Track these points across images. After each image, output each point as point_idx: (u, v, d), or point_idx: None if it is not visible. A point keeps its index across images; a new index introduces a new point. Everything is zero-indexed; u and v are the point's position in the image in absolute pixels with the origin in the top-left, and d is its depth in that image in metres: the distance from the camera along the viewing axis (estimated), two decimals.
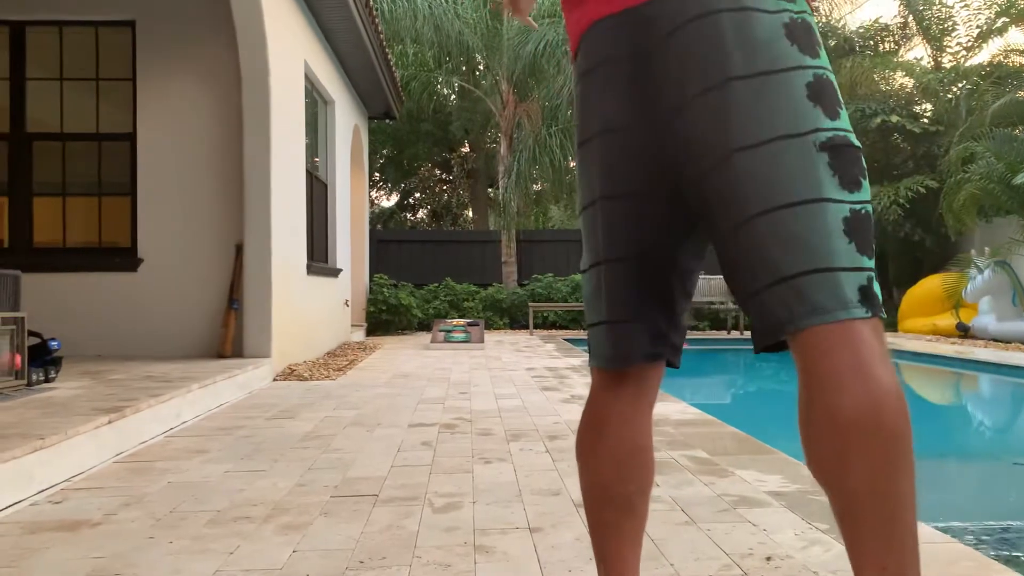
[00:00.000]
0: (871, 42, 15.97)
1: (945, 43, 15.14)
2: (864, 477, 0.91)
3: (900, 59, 15.63)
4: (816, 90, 1.01)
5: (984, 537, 2.73)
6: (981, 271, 10.50)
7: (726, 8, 1.02)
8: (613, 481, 1.25)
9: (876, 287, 0.99)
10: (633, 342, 1.19)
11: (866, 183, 1.01)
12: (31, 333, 4.13)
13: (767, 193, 0.98)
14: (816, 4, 1.14)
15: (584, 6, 1.18)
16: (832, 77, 1.05)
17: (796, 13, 1.05)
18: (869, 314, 0.95)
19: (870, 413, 0.90)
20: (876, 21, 16.10)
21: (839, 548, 2.11)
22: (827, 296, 0.95)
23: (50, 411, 3.44)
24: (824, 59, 1.05)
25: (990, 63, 14.12)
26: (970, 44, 14.81)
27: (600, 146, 1.17)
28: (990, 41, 14.27)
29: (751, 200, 1.00)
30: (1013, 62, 13.82)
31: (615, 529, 1.26)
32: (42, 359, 4.29)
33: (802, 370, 0.98)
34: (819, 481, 0.97)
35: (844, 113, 1.03)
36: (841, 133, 1.01)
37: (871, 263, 0.99)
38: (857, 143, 1.02)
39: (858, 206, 0.99)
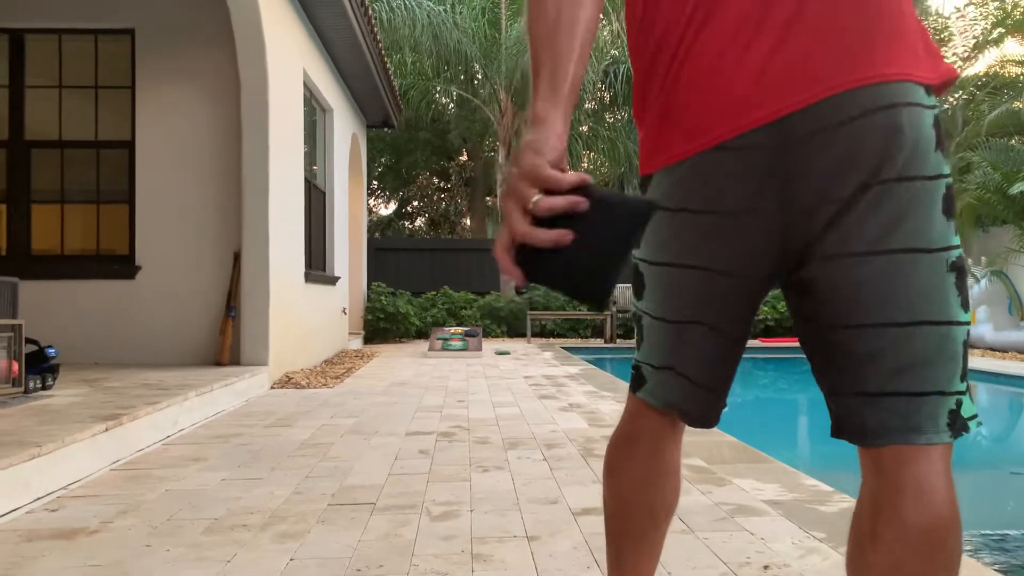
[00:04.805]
0: None
1: (942, 53, 15.25)
2: None
3: None
4: (949, 202, 0.95)
5: (982, 546, 2.73)
6: (978, 280, 10.54)
7: (882, 106, 0.93)
8: (639, 496, 1.26)
9: (964, 406, 0.95)
10: (713, 407, 1.19)
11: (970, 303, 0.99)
12: (28, 340, 4.12)
13: (896, 304, 0.94)
14: None
15: (705, 129, 1.01)
16: None
17: (934, 107, 0.96)
18: (951, 439, 0.94)
19: (941, 528, 0.91)
20: None
21: (837, 557, 2.11)
22: (926, 418, 0.93)
23: (47, 419, 3.43)
24: (948, 163, 0.98)
25: (986, 73, 14.22)
26: (967, 55, 14.92)
27: (714, 223, 1.04)
28: (986, 52, 14.38)
29: (872, 307, 0.95)
30: (1009, 72, 13.91)
31: (635, 542, 1.27)
32: (39, 366, 4.28)
33: (875, 475, 0.97)
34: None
35: None
36: (961, 252, 0.97)
37: (965, 385, 0.96)
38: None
39: (969, 327, 0.97)
